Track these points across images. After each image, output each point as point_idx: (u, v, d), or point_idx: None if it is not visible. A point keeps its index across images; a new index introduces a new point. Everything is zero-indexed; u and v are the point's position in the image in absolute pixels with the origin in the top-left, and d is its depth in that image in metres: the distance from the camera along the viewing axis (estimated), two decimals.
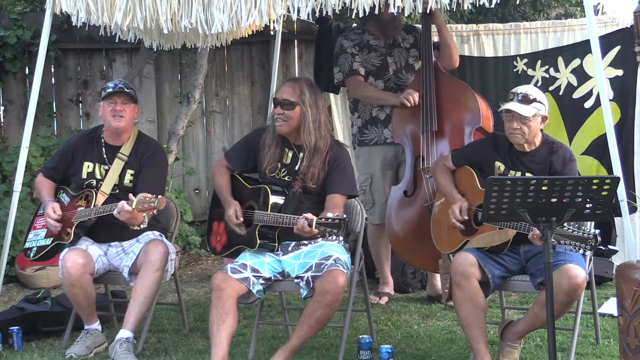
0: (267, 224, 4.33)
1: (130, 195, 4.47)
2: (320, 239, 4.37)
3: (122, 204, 4.41)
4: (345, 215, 4.15)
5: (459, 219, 4.38)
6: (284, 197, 4.41)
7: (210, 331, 4.21)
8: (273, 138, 4.51)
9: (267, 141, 4.53)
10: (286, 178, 4.49)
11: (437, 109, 5.38)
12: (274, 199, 4.38)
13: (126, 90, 4.74)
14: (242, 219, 4.43)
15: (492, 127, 5.37)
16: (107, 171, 4.75)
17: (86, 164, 4.79)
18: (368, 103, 5.68)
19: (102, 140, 4.82)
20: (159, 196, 4.40)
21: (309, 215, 4.13)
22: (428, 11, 5.02)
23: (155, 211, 4.43)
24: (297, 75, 7.95)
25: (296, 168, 4.47)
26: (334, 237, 4.30)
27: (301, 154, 4.46)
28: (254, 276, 4.31)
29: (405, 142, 5.51)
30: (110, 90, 4.72)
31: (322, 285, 4.17)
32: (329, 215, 4.11)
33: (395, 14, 5.32)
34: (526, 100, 4.26)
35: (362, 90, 5.68)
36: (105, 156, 4.78)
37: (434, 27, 5.58)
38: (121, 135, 4.78)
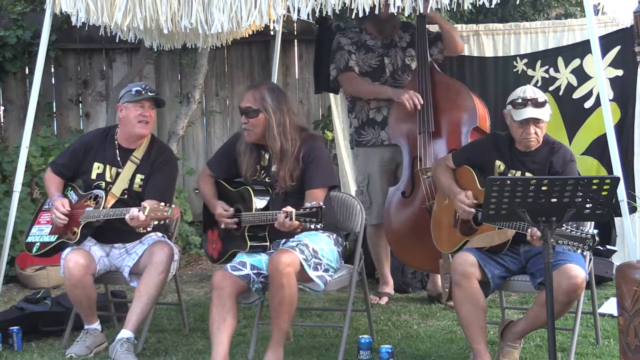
0: (254, 224, 4.34)
1: (143, 203, 4.44)
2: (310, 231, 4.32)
3: (135, 211, 4.37)
4: (322, 203, 4.13)
5: (468, 203, 4.33)
6: (268, 197, 4.42)
7: (211, 330, 4.21)
8: (247, 143, 4.52)
9: (242, 147, 4.54)
10: (267, 179, 4.50)
11: (434, 109, 5.38)
12: (257, 199, 4.39)
13: (151, 94, 4.68)
14: (232, 209, 4.43)
15: (490, 126, 5.37)
16: (118, 174, 4.70)
17: (96, 164, 4.74)
18: (365, 99, 5.66)
19: (116, 141, 4.76)
20: (172, 206, 4.38)
21: (289, 209, 4.12)
22: (428, 11, 5.01)
23: (167, 220, 4.42)
24: (297, 75, 7.96)
25: (273, 169, 4.48)
26: (314, 226, 4.18)
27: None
28: (254, 273, 4.31)
29: (402, 142, 5.50)
30: (135, 94, 4.65)
31: (271, 266, 4.17)
32: (307, 205, 4.11)
33: (395, 14, 5.31)
34: (538, 104, 4.24)
35: (357, 86, 5.65)
36: (118, 158, 4.73)
37: (429, 26, 5.57)
38: (139, 139, 4.74)
